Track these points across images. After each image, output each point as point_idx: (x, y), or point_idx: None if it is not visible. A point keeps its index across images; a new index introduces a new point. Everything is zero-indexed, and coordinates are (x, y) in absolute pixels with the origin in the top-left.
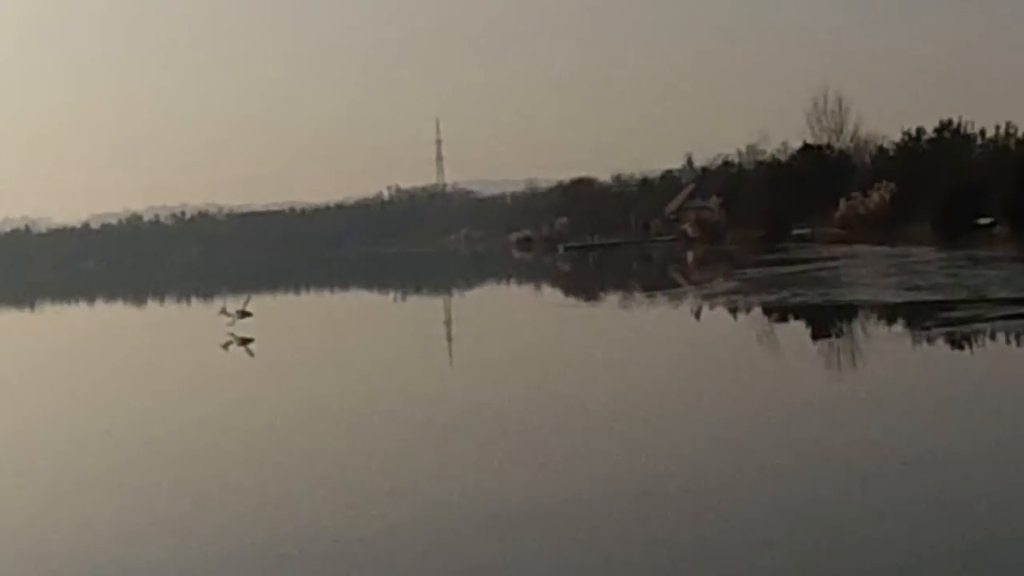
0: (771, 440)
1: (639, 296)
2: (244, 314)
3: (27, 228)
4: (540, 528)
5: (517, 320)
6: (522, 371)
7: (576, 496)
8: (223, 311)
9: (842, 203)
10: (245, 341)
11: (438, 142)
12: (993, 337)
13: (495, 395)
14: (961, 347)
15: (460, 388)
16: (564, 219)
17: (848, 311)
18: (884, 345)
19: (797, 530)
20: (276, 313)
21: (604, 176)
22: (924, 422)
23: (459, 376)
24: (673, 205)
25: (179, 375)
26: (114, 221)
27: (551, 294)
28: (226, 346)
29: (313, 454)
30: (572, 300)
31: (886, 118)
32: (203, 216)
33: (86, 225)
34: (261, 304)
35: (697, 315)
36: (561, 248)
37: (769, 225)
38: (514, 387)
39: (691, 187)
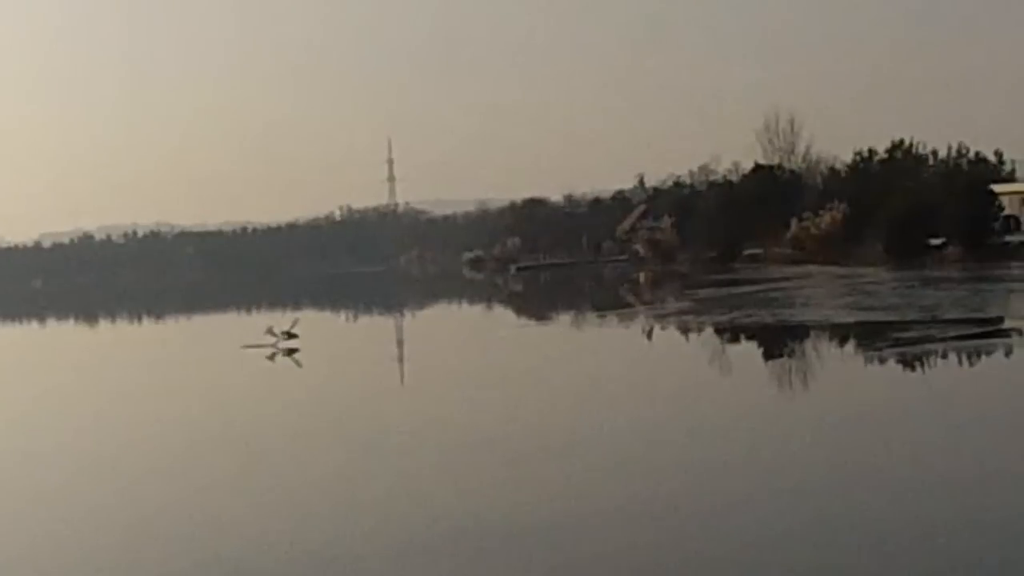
0: (723, 459)
1: (591, 316)
2: (290, 335)
3: None
4: (496, 541)
5: (469, 340)
6: (474, 390)
7: (529, 511)
8: (269, 331)
9: (794, 224)
10: (291, 352)
11: (390, 162)
12: (945, 357)
13: (447, 413)
14: (913, 367)
15: (412, 407)
16: (516, 239)
17: (800, 331)
18: (836, 365)
19: (750, 546)
20: (226, 333)
21: (556, 196)
22: (876, 441)
23: (411, 395)
24: (625, 225)
25: (128, 393)
26: (65, 240)
27: (503, 314)
28: (272, 357)
29: (262, 471)
30: (524, 320)
31: (838, 139)
32: (154, 235)
33: (37, 244)
34: (210, 323)
35: (649, 335)
36: (513, 268)
37: (721, 245)
38: (466, 406)
39: (643, 207)
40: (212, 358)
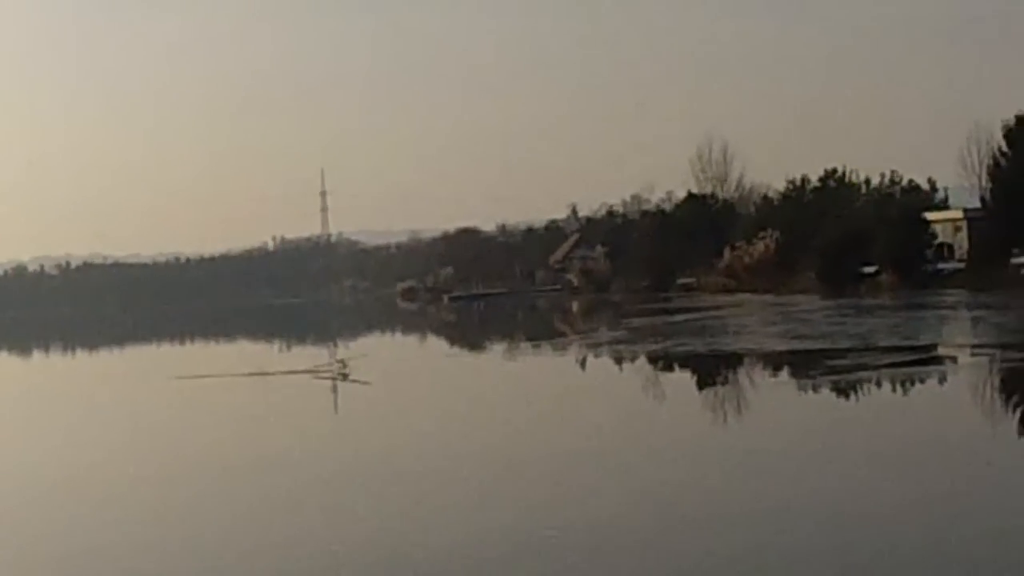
0: (649, 488)
1: (524, 346)
2: (344, 364)
3: None
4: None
5: (402, 370)
6: (406, 420)
7: (464, 541)
8: (333, 358)
9: (727, 252)
10: (345, 376)
11: (323, 193)
12: (879, 385)
13: (380, 444)
14: (847, 395)
15: (345, 437)
16: (449, 269)
17: (734, 360)
18: (770, 394)
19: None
20: (160, 364)
21: (488, 226)
22: (809, 469)
23: (343, 425)
24: (558, 255)
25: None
26: None
27: (436, 344)
28: (333, 379)
29: (188, 503)
30: (457, 350)
31: (770, 167)
32: (89, 266)
33: None
34: (145, 354)
35: (583, 364)
36: (446, 298)
37: (654, 274)
38: (399, 436)
39: (576, 237)
40: (139, 388)
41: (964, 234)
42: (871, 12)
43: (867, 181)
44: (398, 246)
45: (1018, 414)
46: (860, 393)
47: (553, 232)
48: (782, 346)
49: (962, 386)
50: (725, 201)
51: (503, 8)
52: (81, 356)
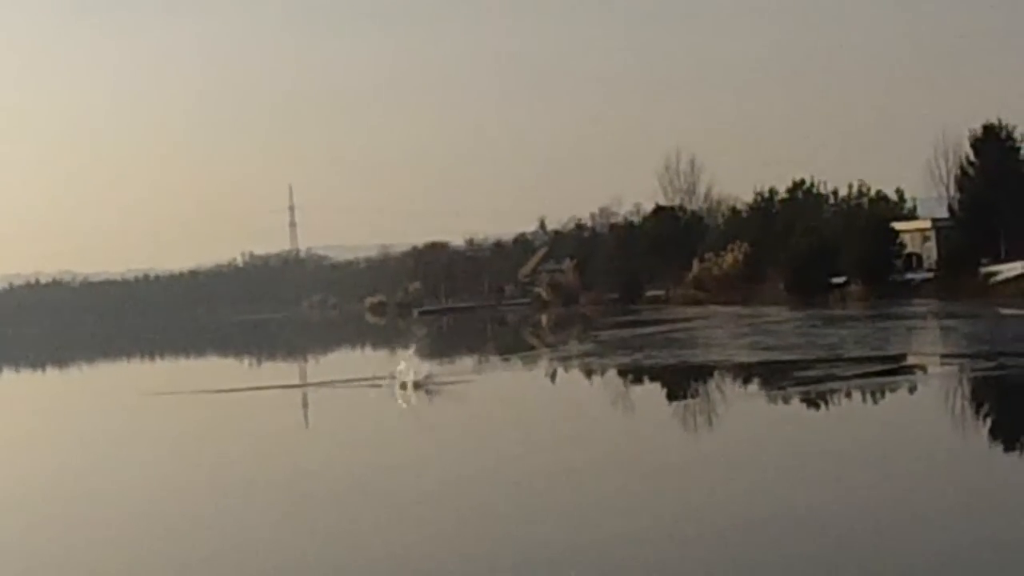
0: (627, 501)
1: (494, 359)
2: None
3: None
4: None
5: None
6: (377, 435)
7: (435, 559)
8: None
9: (695, 264)
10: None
11: (291, 208)
12: (849, 396)
13: (351, 460)
14: (817, 406)
15: (316, 453)
16: (418, 283)
17: (703, 372)
18: (739, 405)
19: None
20: (130, 379)
21: (457, 240)
22: (779, 480)
23: (315, 441)
24: (526, 268)
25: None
26: None
27: (406, 358)
28: (403, 387)
29: (160, 516)
30: (427, 365)
31: (738, 178)
32: (57, 284)
33: None
34: (114, 371)
35: (552, 378)
36: (415, 312)
37: (623, 287)
38: (369, 452)
39: (544, 250)
40: (110, 404)
41: (933, 244)
42: (838, 23)
43: (835, 192)
44: (367, 261)
45: (987, 423)
46: (829, 404)
47: (522, 246)
48: (751, 358)
49: (931, 396)
50: (693, 213)
51: (470, 24)
52: (50, 372)
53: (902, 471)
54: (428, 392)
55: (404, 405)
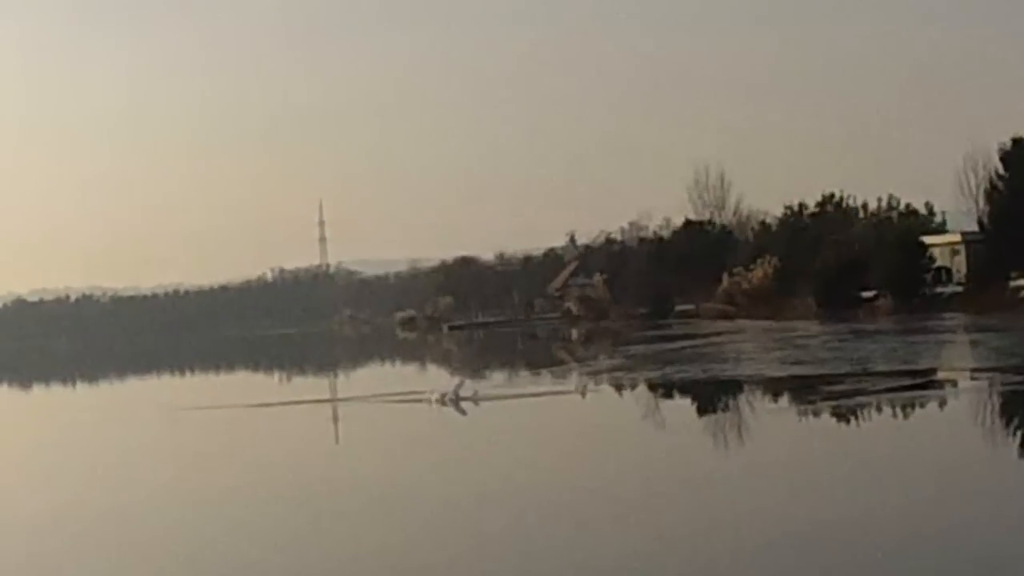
0: (659, 516)
1: (524, 374)
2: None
3: None
4: None
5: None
6: (409, 450)
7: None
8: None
9: (725, 278)
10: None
11: (321, 223)
12: (879, 410)
13: (382, 474)
14: (847, 420)
15: (346, 467)
16: (448, 298)
17: (733, 386)
18: (769, 420)
19: None
20: (165, 395)
21: (487, 255)
22: (810, 496)
23: (345, 455)
24: (556, 283)
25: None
26: None
27: (436, 373)
28: (443, 399)
29: (193, 531)
30: (458, 379)
31: (768, 193)
32: (87, 299)
33: None
34: (144, 386)
35: (583, 392)
36: (445, 327)
37: (653, 301)
38: (401, 466)
39: (574, 265)
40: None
41: (962, 257)
42: (868, 36)
43: (864, 206)
44: (397, 276)
45: (1019, 437)
46: (859, 419)
47: (551, 260)
48: (781, 372)
49: (961, 411)
50: (723, 227)
51: (500, 36)
52: (81, 388)
53: (933, 486)
54: (476, 404)
55: (461, 417)
